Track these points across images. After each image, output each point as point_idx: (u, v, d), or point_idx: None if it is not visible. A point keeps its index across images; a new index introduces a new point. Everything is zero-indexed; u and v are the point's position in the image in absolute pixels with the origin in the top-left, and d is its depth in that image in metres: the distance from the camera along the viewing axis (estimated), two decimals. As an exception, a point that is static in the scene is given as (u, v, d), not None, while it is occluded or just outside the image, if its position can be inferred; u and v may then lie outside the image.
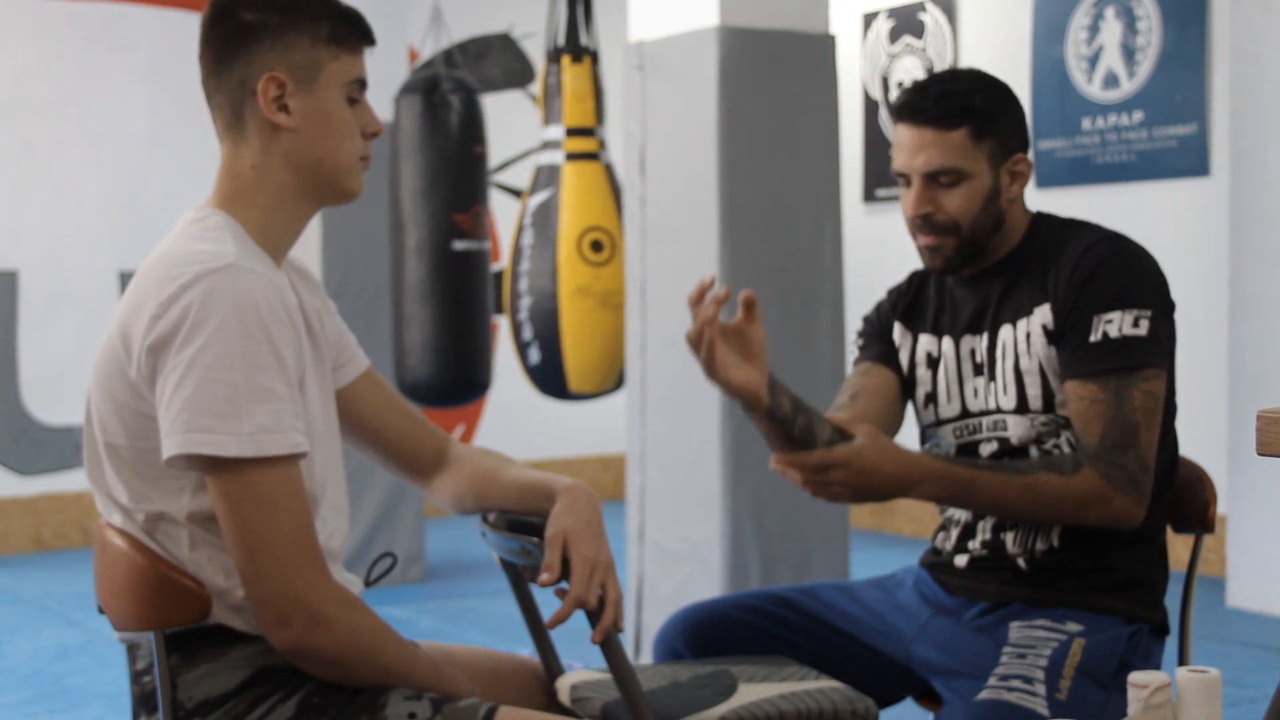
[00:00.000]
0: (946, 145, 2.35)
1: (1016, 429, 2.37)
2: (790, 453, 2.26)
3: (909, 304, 2.55)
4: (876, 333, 2.57)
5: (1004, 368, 2.39)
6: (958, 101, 2.36)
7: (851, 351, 2.62)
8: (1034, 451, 2.36)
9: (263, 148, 1.95)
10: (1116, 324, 2.27)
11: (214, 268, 1.82)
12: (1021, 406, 2.37)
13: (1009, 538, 2.39)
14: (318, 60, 1.94)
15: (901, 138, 2.40)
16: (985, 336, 2.42)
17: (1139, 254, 2.36)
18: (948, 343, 2.47)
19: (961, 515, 2.45)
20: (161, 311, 1.81)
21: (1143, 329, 2.27)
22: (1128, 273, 2.31)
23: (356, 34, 1.98)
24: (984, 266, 2.43)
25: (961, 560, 2.44)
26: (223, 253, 1.85)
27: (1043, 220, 2.45)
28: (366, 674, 1.88)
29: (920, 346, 2.51)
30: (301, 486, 1.84)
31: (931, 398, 2.48)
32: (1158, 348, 2.29)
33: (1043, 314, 2.35)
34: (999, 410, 2.39)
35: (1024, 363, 2.36)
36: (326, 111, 1.95)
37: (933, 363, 2.49)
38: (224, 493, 1.81)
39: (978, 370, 2.43)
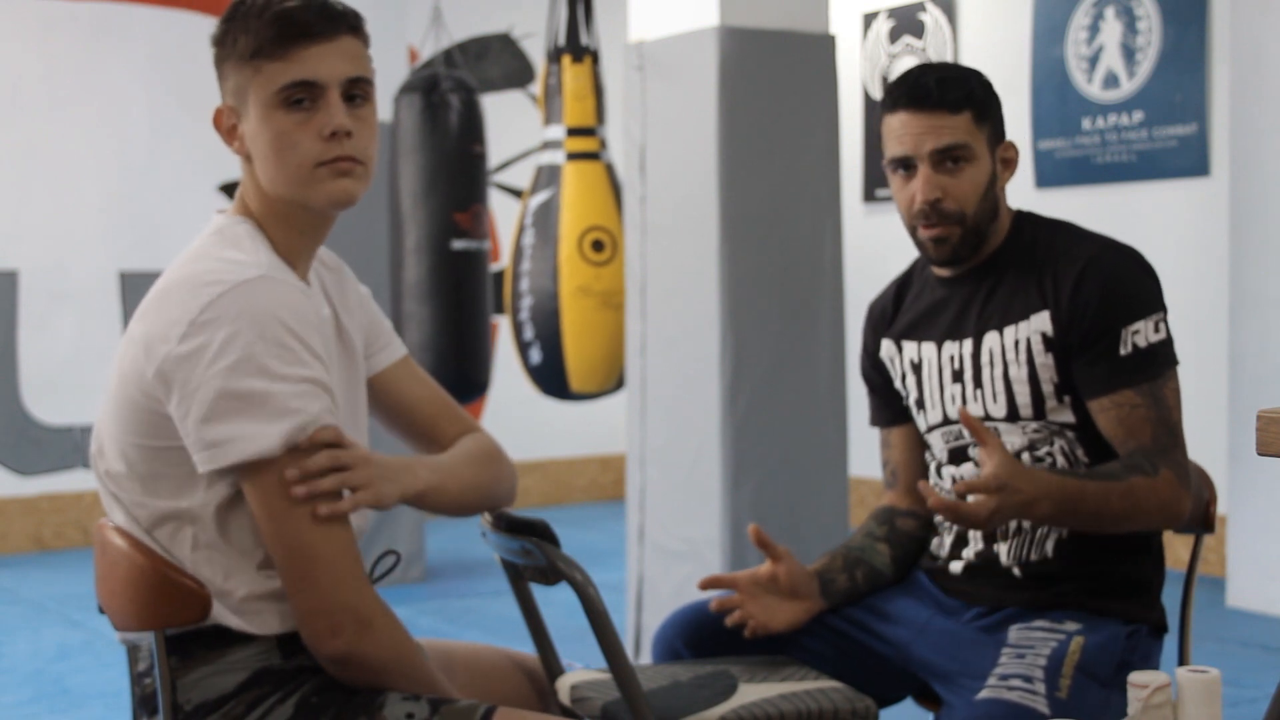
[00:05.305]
0: (955, 126, 2.34)
1: (1009, 437, 2.37)
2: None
3: (892, 318, 2.54)
4: (873, 381, 2.59)
5: (992, 375, 2.38)
6: (960, 87, 2.36)
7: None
8: (1027, 459, 2.36)
9: (247, 174, 1.96)
10: (1143, 333, 2.29)
11: (246, 277, 1.82)
12: (1012, 414, 2.36)
13: (1002, 550, 2.38)
14: (244, 82, 1.89)
15: (902, 125, 2.36)
16: (970, 342, 2.40)
17: (1139, 257, 2.37)
18: (929, 348, 2.46)
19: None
20: (192, 318, 1.80)
21: (1163, 332, 2.31)
22: (1140, 281, 2.33)
23: (285, 37, 1.85)
24: (970, 265, 2.43)
25: (957, 566, 2.44)
26: (255, 262, 1.85)
27: (1026, 219, 2.44)
28: (404, 683, 1.87)
29: (905, 355, 2.51)
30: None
31: (920, 404, 2.48)
32: (1172, 346, 2.33)
33: (1040, 321, 2.34)
34: (989, 418, 2.38)
35: (1013, 371, 2.35)
36: (258, 132, 1.90)
37: (915, 369, 2.49)
38: (264, 501, 1.80)
39: (955, 377, 2.42)
